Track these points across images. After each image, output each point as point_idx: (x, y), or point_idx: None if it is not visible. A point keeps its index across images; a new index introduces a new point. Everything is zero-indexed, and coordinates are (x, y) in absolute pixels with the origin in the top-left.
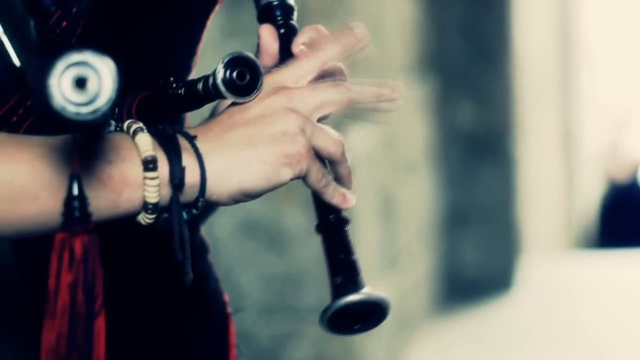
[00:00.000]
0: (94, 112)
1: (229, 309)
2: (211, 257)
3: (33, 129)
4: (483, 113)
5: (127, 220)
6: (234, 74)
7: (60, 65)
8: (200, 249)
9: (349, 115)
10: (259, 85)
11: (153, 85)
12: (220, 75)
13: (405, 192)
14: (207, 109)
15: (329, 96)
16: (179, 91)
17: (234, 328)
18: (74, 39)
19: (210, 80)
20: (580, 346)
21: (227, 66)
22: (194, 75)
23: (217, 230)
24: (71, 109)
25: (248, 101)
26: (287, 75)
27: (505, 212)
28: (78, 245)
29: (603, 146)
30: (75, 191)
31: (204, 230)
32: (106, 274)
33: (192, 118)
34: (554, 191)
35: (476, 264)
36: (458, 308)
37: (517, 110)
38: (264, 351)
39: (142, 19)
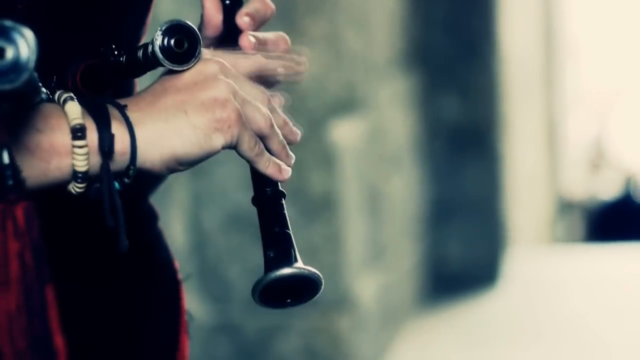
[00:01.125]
0: (11, 81)
1: (180, 276)
2: (161, 225)
3: None
4: (468, 107)
5: (59, 190)
6: (172, 42)
7: None
8: (148, 217)
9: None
10: (197, 54)
11: (97, 53)
12: (158, 42)
13: (391, 185)
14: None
15: (263, 92)
16: (121, 58)
17: (184, 294)
18: (20, 5)
19: (150, 48)
20: (566, 339)
21: (165, 33)
22: None
23: (205, 222)
24: None
25: (185, 69)
26: (225, 56)
27: (490, 206)
28: (20, 213)
29: (587, 139)
30: (6, 159)
31: (192, 224)
32: (49, 244)
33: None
34: (538, 184)
35: (461, 258)
36: (444, 301)
37: (502, 104)
38: (252, 344)
39: (87, 3)
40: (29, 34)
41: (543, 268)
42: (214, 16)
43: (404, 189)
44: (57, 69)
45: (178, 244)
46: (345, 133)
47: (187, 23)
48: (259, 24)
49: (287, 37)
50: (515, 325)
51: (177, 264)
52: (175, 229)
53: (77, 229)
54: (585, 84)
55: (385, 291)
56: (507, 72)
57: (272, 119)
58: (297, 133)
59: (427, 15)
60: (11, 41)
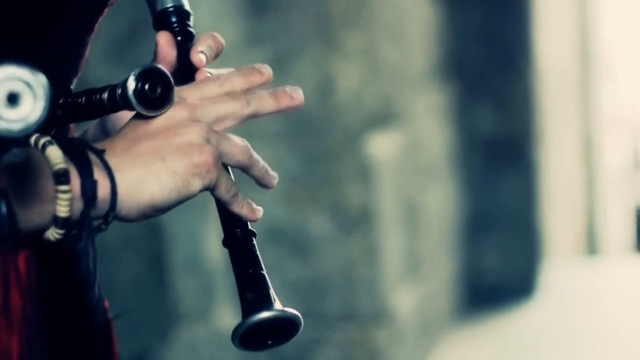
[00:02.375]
0: (26, 129)
1: (110, 315)
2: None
3: None
4: (504, 119)
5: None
6: (146, 87)
7: None
8: (83, 256)
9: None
10: (170, 99)
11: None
12: (131, 87)
13: (428, 198)
14: None
15: (230, 109)
16: (79, 100)
17: (114, 333)
18: None
19: (119, 91)
20: (603, 351)
21: (138, 78)
22: (79, 79)
23: None
24: (1, 125)
25: (158, 115)
26: (191, 93)
27: (526, 218)
28: (22, 265)
29: (623, 152)
30: (4, 208)
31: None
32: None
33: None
34: (575, 196)
35: (498, 270)
36: (480, 314)
37: (538, 116)
38: (290, 358)
39: (29, 19)
40: (44, 80)
41: (580, 280)
42: (169, 53)
43: (441, 201)
44: None
45: (215, 259)
46: (382, 146)
47: (160, 68)
48: (212, 59)
49: (244, 71)
50: (552, 337)
51: (107, 303)
52: (212, 244)
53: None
54: (622, 96)
55: (423, 304)
56: (543, 84)
57: (249, 147)
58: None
59: (463, 26)
60: (29, 87)
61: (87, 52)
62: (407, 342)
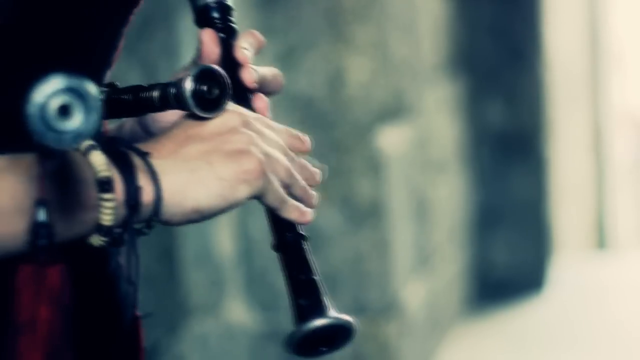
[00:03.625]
0: (77, 141)
1: (138, 312)
2: (122, 259)
3: None
4: (513, 112)
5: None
6: (204, 88)
7: (46, 89)
8: (110, 251)
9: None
10: (225, 101)
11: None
12: (189, 87)
13: (437, 192)
14: None
15: (276, 146)
16: (125, 96)
17: (142, 330)
18: None
19: (173, 90)
20: (612, 346)
21: (196, 79)
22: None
23: (252, 231)
24: (53, 137)
25: (213, 117)
26: (244, 110)
27: (536, 212)
28: (55, 278)
29: (633, 145)
30: (42, 217)
31: (239, 232)
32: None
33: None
34: (585, 190)
35: (508, 264)
36: (490, 308)
37: (548, 110)
38: None
39: (64, 14)
40: (96, 92)
41: (589, 274)
42: (212, 51)
43: (451, 195)
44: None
45: (225, 252)
46: (392, 140)
47: (218, 69)
48: (254, 57)
49: (280, 74)
50: (562, 331)
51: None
52: (222, 238)
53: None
54: (632, 89)
55: (432, 297)
56: (553, 78)
57: (291, 167)
58: (317, 173)
59: (473, 20)
60: (81, 99)
61: (122, 44)
62: (416, 335)
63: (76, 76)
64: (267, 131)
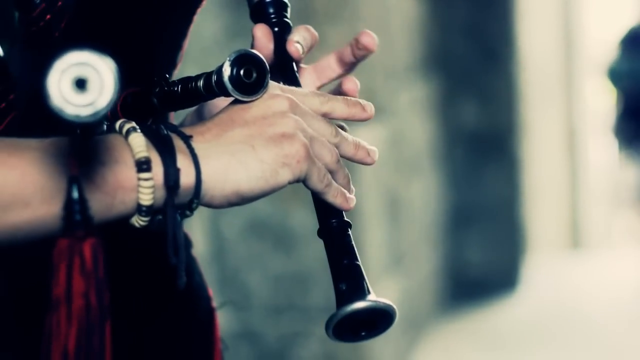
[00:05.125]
0: (94, 114)
1: (214, 303)
2: (195, 252)
3: (16, 124)
4: (487, 112)
5: (119, 222)
6: (241, 72)
7: (61, 64)
8: (184, 245)
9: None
10: (265, 84)
11: (141, 81)
12: (227, 72)
13: (410, 191)
14: None
15: (320, 129)
16: (175, 88)
17: (218, 321)
18: (57, 33)
19: (214, 78)
20: (586, 344)
21: (234, 63)
22: (179, 69)
23: (225, 230)
24: (70, 110)
25: (253, 100)
26: (294, 93)
27: (509, 211)
28: (88, 250)
29: (606, 145)
30: (76, 194)
31: (212, 232)
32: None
33: (176, 113)
34: (558, 190)
35: (481, 263)
36: (464, 307)
37: (521, 110)
38: (272, 351)
39: (127, 13)
40: (112, 64)
41: (563, 273)
42: (265, 45)
43: (424, 195)
44: None
45: (198, 252)
46: (365, 139)
47: (255, 53)
48: (307, 51)
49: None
50: (536, 329)
51: (211, 291)
52: (195, 237)
53: (127, 260)
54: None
55: (406, 297)
56: (527, 78)
57: (338, 154)
58: (374, 152)
59: (447, 21)
60: (96, 71)
61: (186, 44)
62: (390, 335)
63: (92, 50)
64: (316, 116)
